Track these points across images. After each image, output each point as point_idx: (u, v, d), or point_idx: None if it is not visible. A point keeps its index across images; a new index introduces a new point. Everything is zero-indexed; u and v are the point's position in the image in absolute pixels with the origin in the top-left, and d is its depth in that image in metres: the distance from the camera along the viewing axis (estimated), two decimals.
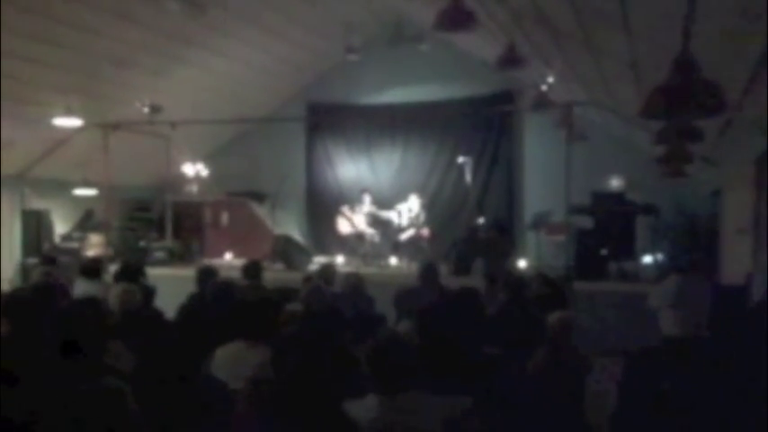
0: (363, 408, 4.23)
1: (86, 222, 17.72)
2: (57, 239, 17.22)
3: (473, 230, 16.05)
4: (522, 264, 15.40)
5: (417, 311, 6.39)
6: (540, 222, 16.06)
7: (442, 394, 4.37)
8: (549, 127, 14.82)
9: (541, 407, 5.17)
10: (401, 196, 17.34)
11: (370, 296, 9.32)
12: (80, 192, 16.39)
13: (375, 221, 17.05)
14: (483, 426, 4.38)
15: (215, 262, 15.07)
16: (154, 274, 12.27)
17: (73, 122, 13.73)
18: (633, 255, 14.42)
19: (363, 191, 17.61)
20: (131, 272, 9.71)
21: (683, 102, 4.31)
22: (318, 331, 6.03)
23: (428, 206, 17.39)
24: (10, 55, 11.95)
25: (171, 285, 10.75)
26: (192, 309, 8.40)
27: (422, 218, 16.80)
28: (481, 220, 16.51)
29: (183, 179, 18.05)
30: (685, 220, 15.55)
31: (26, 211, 16.71)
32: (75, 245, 16.85)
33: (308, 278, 10.21)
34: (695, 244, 14.67)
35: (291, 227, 19.35)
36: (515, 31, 10.80)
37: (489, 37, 12.07)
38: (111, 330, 5.84)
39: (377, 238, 17.04)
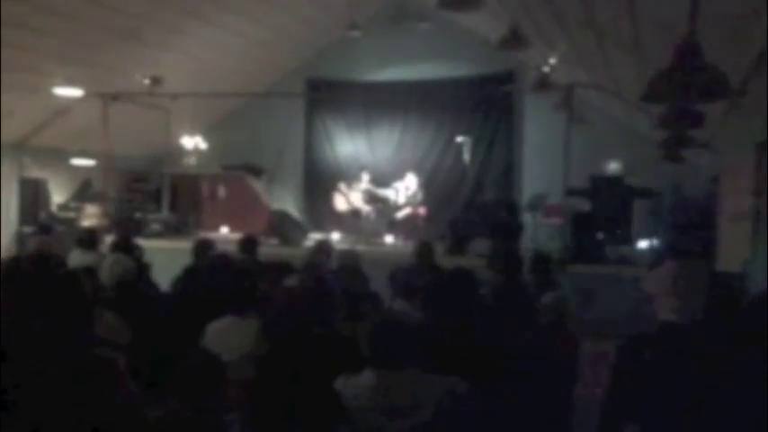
0: (358, 384, 4.23)
1: (84, 192, 17.70)
2: (53, 209, 17.21)
3: (481, 208, 16.05)
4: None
5: (421, 290, 6.39)
6: (536, 204, 16.04)
7: (436, 374, 4.36)
8: (550, 109, 14.79)
9: (533, 389, 5.17)
10: (399, 174, 17.34)
11: (364, 274, 9.29)
12: (78, 162, 16.40)
13: (372, 199, 17.01)
14: (476, 408, 4.37)
15: (211, 235, 15.04)
16: (149, 245, 12.24)
17: (73, 92, 13.71)
18: (630, 239, 14.40)
19: (361, 169, 17.59)
20: (127, 243, 9.68)
21: (686, 85, 4.29)
22: (311, 307, 6.01)
23: (425, 185, 17.38)
24: (11, 23, 11.89)
25: (166, 257, 10.72)
26: (187, 281, 8.38)
27: (419, 196, 16.80)
28: (489, 197, 16.58)
29: (181, 152, 18.07)
30: (683, 206, 15.52)
31: (23, 180, 16.69)
32: (71, 215, 16.83)
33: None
34: (693, 229, 14.64)
35: (288, 202, 19.35)
36: (519, 10, 10.77)
37: (492, 16, 12.05)
38: (105, 302, 5.83)
39: (373, 216, 17.01)
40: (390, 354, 4.26)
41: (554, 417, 5.44)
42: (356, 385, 4.23)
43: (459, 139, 16.40)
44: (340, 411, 4.05)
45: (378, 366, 4.24)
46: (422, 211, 16.81)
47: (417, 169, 17.63)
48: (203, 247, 9.48)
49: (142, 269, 8.79)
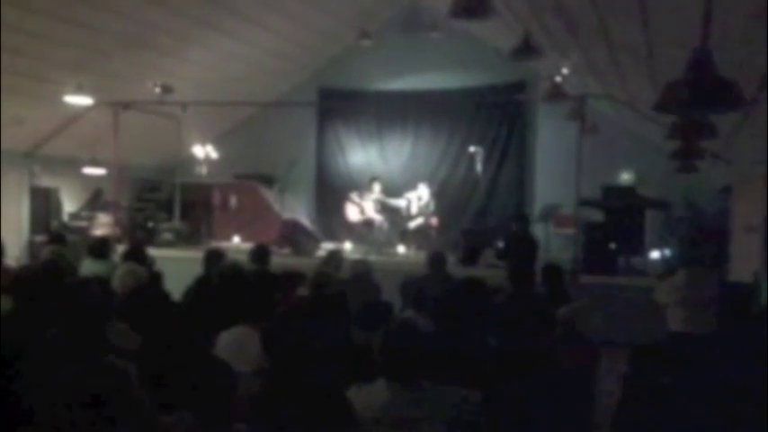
0: (372, 394, 4.21)
1: (95, 201, 17.74)
2: (65, 218, 17.24)
3: (492, 222, 16.17)
4: None
5: (432, 300, 6.39)
6: (549, 214, 16.04)
7: (450, 385, 4.35)
8: (562, 119, 14.78)
9: (547, 400, 5.16)
10: (411, 184, 17.29)
11: (376, 283, 9.29)
12: (89, 170, 16.37)
13: (383, 208, 17.00)
14: (490, 420, 4.36)
15: (222, 245, 15.07)
16: (161, 255, 12.26)
17: (84, 101, 13.72)
18: (642, 250, 14.38)
19: (373, 179, 17.57)
20: (139, 253, 9.69)
21: (699, 96, 4.28)
22: (323, 317, 6.01)
23: (437, 195, 17.32)
24: (22, 31, 11.94)
25: (177, 267, 10.73)
26: (198, 291, 8.38)
27: (431, 206, 16.75)
28: (500, 208, 16.82)
29: (192, 161, 18.04)
30: (695, 216, 15.51)
31: (35, 189, 16.71)
32: (83, 224, 16.87)
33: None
34: (704, 240, 14.62)
35: (300, 212, 19.30)
36: (531, 20, 10.77)
37: (505, 26, 12.05)
38: (117, 311, 5.83)
39: (385, 226, 16.97)
40: (404, 364, 4.24)
41: (569, 427, 5.43)
42: (369, 395, 4.22)
43: (472, 149, 16.36)
44: (352, 421, 4.03)
45: (391, 376, 4.23)
46: (434, 221, 16.77)
47: (429, 179, 17.59)
48: (214, 257, 9.49)
49: (154, 278, 8.80)
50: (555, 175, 16.63)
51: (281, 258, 13.71)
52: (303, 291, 8.22)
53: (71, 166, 16.70)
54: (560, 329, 6.50)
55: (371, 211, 17.03)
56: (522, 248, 12.50)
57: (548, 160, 17.82)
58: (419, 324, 5.67)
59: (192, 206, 18.59)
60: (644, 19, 7.55)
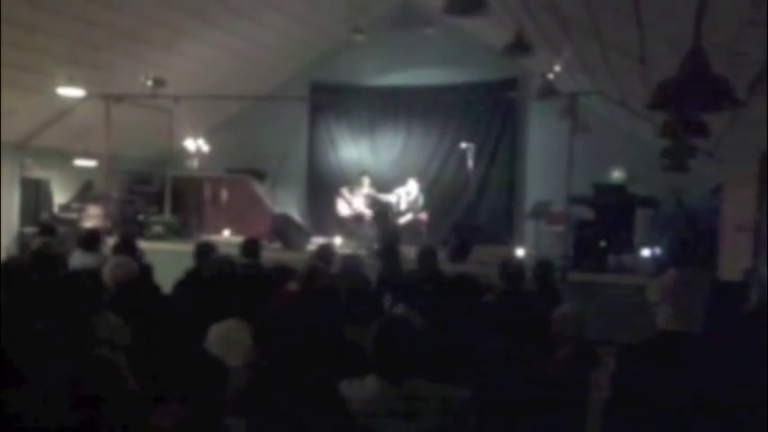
0: (363, 388, 4.21)
1: (86, 193, 17.69)
2: (55, 209, 17.19)
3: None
4: (520, 252, 15.35)
5: (422, 296, 6.39)
6: (539, 211, 16.03)
7: (440, 382, 4.35)
8: (554, 116, 14.77)
9: (539, 400, 5.16)
10: (401, 180, 17.29)
11: (367, 278, 9.29)
12: (80, 162, 16.31)
13: (373, 203, 16.98)
14: (479, 419, 4.36)
15: (213, 238, 15.02)
16: (151, 247, 12.24)
17: (75, 93, 13.65)
18: (632, 247, 14.39)
19: (363, 173, 17.58)
20: (129, 245, 9.67)
21: (692, 94, 4.28)
22: (314, 311, 6.00)
23: (428, 191, 17.36)
24: (15, 23, 11.91)
25: (167, 260, 10.71)
26: (189, 284, 8.37)
27: (420, 202, 16.76)
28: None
29: (184, 154, 18.01)
30: (685, 215, 15.51)
31: (25, 180, 16.65)
32: (73, 215, 16.82)
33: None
34: (695, 239, 14.63)
35: (291, 206, 19.26)
36: (524, 17, 10.76)
37: (498, 22, 12.04)
38: (107, 303, 5.83)
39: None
40: (397, 361, 4.24)
41: (560, 424, 5.44)
42: (360, 390, 4.21)
43: (464, 145, 16.36)
44: (344, 415, 4.03)
45: (383, 371, 4.23)
46: (423, 216, 16.77)
47: (420, 175, 17.59)
48: (205, 250, 9.47)
49: (145, 271, 8.78)
50: (546, 172, 16.64)
51: (271, 252, 13.71)
52: (293, 285, 8.22)
53: (62, 157, 16.66)
54: (557, 330, 6.49)
55: (362, 206, 17.03)
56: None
57: (539, 157, 17.83)
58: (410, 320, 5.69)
59: (183, 199, 18.58)
60: (637, 17, 7.55)
